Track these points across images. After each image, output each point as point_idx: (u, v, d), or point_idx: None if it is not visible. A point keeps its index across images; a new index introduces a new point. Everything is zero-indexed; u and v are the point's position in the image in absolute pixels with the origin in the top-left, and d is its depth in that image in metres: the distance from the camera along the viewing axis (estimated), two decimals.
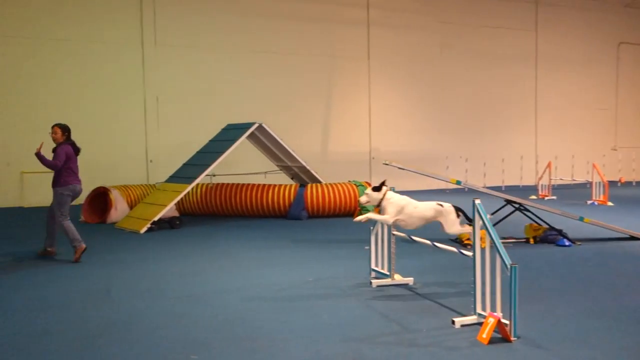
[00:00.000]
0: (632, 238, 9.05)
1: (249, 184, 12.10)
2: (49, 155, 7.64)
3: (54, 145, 7.72)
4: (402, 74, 18.82)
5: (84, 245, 7.57)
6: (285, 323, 4.89)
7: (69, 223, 7.54)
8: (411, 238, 5.91)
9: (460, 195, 16.35)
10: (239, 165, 13.86)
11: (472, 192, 13.88)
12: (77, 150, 7.81)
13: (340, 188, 12.01)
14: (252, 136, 12.42)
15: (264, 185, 12.05)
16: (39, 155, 7.53)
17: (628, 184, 20.23)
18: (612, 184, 17.05)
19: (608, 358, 4.11)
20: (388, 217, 5.77)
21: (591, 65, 21.78)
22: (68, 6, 14.80)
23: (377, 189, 5.89)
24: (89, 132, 14.89)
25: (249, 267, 7.17)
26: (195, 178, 10.76)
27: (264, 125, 11.86)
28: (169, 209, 10.28)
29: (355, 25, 18.10)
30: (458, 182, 8.31)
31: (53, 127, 7.77)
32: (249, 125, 11.76)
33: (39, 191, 13.90)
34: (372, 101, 18.43)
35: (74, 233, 7.52)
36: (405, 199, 5.84)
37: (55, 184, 7.60)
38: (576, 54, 21.44)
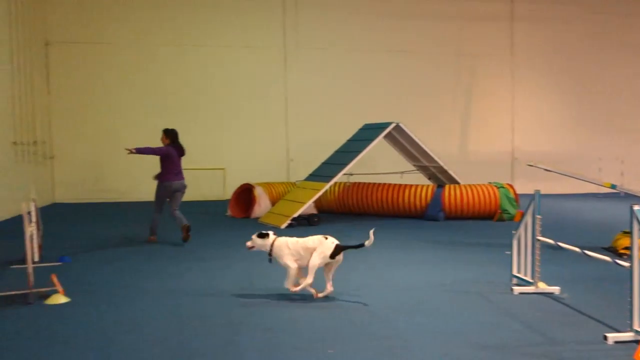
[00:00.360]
0: None
1: (385, 184, 12.13)
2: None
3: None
4: (548, 69, 17.70)
5: (155, 238, 8.90)
6: (421, 325, 4.86)
7: (157, 215, 8.86)
8: (558, 244, 5.56)
9: (616, 201, 15.02)
10: (375, 165, 13.96)
11: (630, 197, 12.70)
12: (180, 153, 8.86)
13: (479, 189, 11.62)
14: (389, 136, 12.43)
15: (400, 185, 12.02)
16: (138, 150, 8.48)
17: None
18: None
19: None
20: (291, 270, 5.54)
21: None
22: (220, 14, 15.92)
23: (263, 235, 5.68)
24: (235, 131, 15.94)
25: (385, 267, 7.21)
26: (333, 177, 11.03)
27: (401, 125, 11.82)
28: (308, 206, 10.65)
29: (498, 21, 17.36)
30: (613, 186, 7.69)
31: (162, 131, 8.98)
32: (386, 125, 11.79)
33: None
34: (515, 99, 17.58)
35: (156, 223, 8.91)
36: (290, 240, 5.65)
37: (157, 179, 8.80)
38: None
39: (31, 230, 5.91)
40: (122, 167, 15.50)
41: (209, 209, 13.30)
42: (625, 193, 8.75)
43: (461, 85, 17.36)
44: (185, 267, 7.15)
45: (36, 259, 6.25)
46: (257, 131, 16.15)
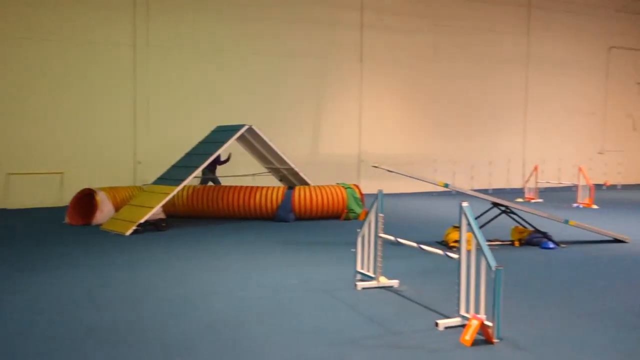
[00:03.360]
0: (616, 241, 9.14)
1: (236, 186, 12.08)
2: None
3: None
4: (393, 76, 18.85)
5: None
6: (271, 326, 4.89)
7: None
8: (397, 240, 5.92)
9: (448, 198, 16.42)
10: (227, 167, 13.84)
11: (460, 194, 13.94)
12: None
13: (328, 190, 12.03)
14: (241, 138, 12.40)
15: (252, 187, 12.04)
16: None
17: (613, 187, 20.43)
18: (597, 187, 17.21)
19: (589, 359, 4.15)
20: None
21: (582, 69, 21.89)
22: (59, 5, 14.69)
23: None
24: (77, 133, 14.84)
25: (236, 270, 7.16)
26: (183, 180, 10.72)
27: (254, 127, 11.85)
28: (155, 211, 10.24)
29: (349, 28, 18.08)
30: (446, 185, 8.37)
31: None
32: (239, 127, 11.74)
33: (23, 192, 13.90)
34: (362, 103, 18.46)
35: None
36: None
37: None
38: (567, 57, 21.54)
39: None
40: None
41: (44, 217, 12.21)
42: (457, 191, 9.57)
43: (313, 89, 17.81)
44: (17, 278, 6.48)
45: None
46: (100, 132, 15.13)
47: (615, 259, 7.91)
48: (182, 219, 11.85)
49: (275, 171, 13.57)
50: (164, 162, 12.47)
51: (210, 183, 13.36)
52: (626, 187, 20.81)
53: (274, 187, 12.04)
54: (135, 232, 9.78)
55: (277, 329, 4.81)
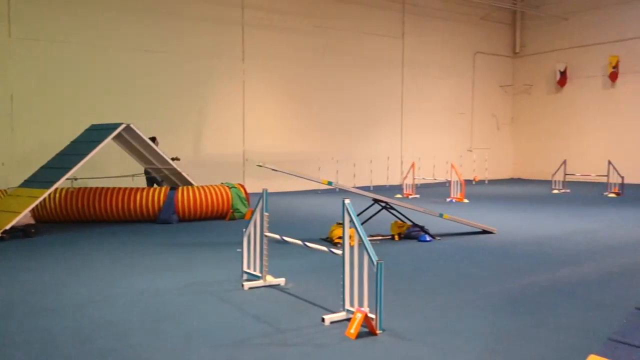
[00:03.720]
0: (485, 232, 9.89)
1: (114, 188, 11.51)
2: None
3: None
4: (276, 75, 18.92)
5: None
6: (155, 332, 4.71)
7: None
8: (283, 239, 5.96)
9: (332, 196, 16.81)
10: (104, 168, 13.13)
11: (343, 192, 14.35)
12: None
13: (212, 190, 11.82)
14: (119, 137, 11.82)
15: (132, 188, 11.54)
16: None
17: (481, 182, 22.08)
18: (467, 182, 18.49)
19: (468, 344, 4.44)
20: None
21: (451, 73, 23.41)
22: None
23: None
24: None
25: (116, 276, 6.81)
26: (54, 182, 10.01)
27: (132, 126, 11.34)
28: (23, 216, 9.47)
29: (230, 26, 17.86)
30: (329, 183, 8.55)
31: None
32: (116, 126, 11.17)
33: None
34: (246, 103, 18.35)
35: None
36: None
37: None
38: (438, 61, 22.90)
39: None
40: None
41: None
42: (340, 189, 9.83)
43: (196, 87, 17.38)
44: None
45: None
46: None
47: (485, 249, 8.54)
48: (54, 224, 11.07)
49: (156, 172, 13.10)
50: (31, 164, 11.57)
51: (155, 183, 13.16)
52: (492, 182, 22.58)
53: (155, 188, 11.62)
54: (0, 239, 8.98)
55: (161, 334, 4.64)
